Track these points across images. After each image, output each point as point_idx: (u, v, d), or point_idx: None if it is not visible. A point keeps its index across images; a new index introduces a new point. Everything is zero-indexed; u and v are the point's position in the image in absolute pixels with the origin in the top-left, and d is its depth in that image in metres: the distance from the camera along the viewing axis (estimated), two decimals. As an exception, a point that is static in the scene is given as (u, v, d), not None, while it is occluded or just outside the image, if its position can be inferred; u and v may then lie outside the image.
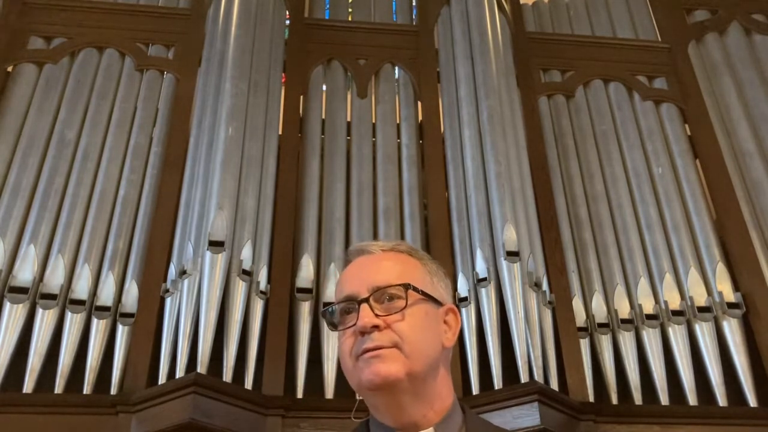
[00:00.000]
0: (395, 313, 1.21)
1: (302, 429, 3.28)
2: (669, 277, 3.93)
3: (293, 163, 4.14)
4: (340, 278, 1.33)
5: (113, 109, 4.23)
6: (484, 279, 3.59)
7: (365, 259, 1.31)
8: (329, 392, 3.43)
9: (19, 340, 3.35)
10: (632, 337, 3.74)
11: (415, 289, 1.24)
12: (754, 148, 4.40)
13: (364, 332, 1.20)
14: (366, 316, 1.20)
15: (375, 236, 3.95)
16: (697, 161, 4.51)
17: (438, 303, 1.29)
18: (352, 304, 1.24)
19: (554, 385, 3.43)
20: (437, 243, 3.88)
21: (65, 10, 4.55)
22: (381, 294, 1.23)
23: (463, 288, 3.63)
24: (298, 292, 3.65)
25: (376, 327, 1.19)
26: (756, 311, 3.80)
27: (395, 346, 1.19)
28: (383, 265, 1.28)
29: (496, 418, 3.09)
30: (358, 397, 1.30)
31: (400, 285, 1.23)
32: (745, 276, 3.94)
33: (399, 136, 4.41)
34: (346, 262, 1.36)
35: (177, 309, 3.38)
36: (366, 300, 1.22)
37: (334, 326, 1.29)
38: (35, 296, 3.45)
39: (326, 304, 1.33)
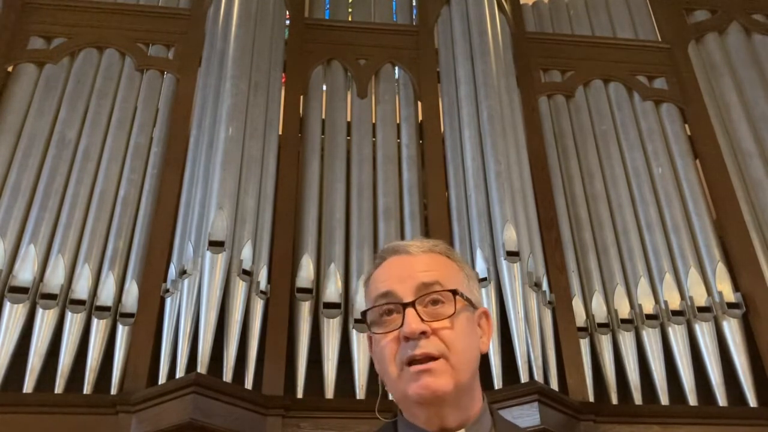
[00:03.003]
0: (443, 319, 1.17)
1: (302, 429, 3.28)
2: (669, 277, 3.93)
3: (293, 163, 4.14)
4: (375, 277, 1.26)
5: (113, 109, 4.23)
6: (484, 279, 3.59)
7: (405, 259, 1.25)
8: (329, 392, 3.43)
9: (19, 340, 3.35)
10: (632, 337, 3.74)
11: (462, 295, 1.21)
12: (754, 148, 4.40)
13: (409, 338, 1.16)
14: (413, 321, 1.15)
15: (375, 236, 3.95)
16: (697, 161, 4.51)
17: (474, 307, 1.26)
18: (395, 306, 1.19)
19: (554, 385, 3.44)
20: (437, 243, 3.87)
21: (65, 10, 4.55)
22: (426, 297, 1.19)
23: (463, 288, 3.63)
24: (298, 292, 3.65)
25: (423, 333, 1.15)
26: (756, 311, 3.80)
27: (442, 355, 1.15)
28: (426, 266, 1.23)
29: (496, 418, 3.09)
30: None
31: (448, 291, 1.20)
32: (745, 276, 3.94)
33: (399, 136, 4.41)
34: (380, 259, 1.29)
35: (177, 309, 3.38)
36: (412, 304, 1.17)
37: (368, 327, 1.24)
38: (35, 296, 3.45)
39: (363, 313, 1.25)
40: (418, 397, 1.14)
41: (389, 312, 1.20)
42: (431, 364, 1.14)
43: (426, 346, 1.15)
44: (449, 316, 1.18)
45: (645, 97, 4.75)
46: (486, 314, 1.29)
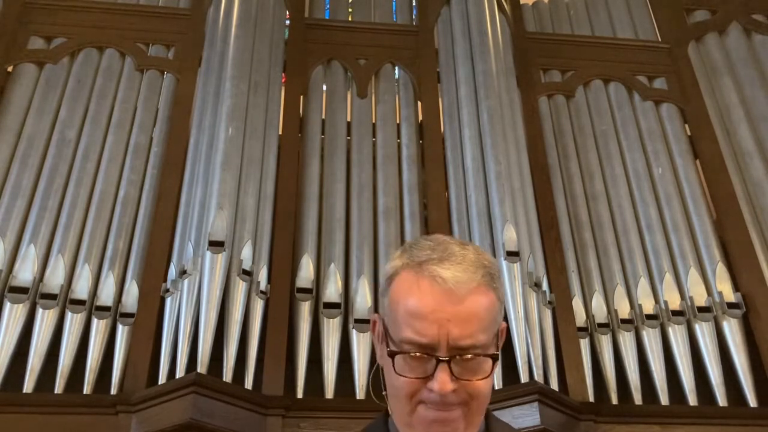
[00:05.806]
0: (476, 380, 1.11)
1: (302, 429, 3.28)
2: (669, 277, 3.93)
3: (293, 163, 4.14)
4: (410, 304, 1.11)
5: (113, 109, 4.23)
6: (484, 279, 3.58)
7: (445, 297, 1.10)
8: (329, 392, 3.43)
9: (19, 340, 3.35)
10: (632, 337, 3.74)
11: (498, 358, 1.13)
12: (754, 148, 4.40)
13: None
14: (446, 381, 1.08)
15: (375, 236, 3.94)
16: (697, 161, 4.51)
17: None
18: (428, 356, 1.10)
19: (554, 385, 3.44)
20: (437, 243, 3.86)
21: (65, 10, 4.55)
22: (463, 353, 1.10)
23: (463, 288, 3.62)
24: (298, 292, 3.65)
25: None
26: (756, 311, 3.80)
27: (464, 404, 1.11)
28: (468, 314, 1.10)
29: (496, 418, 3.09)
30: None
31: (488, 356, 1.12)
32: (745, 276, 3.94)
33: (399, 136, 4.41)
34: (416, 266, 1.14)
35: (177, 309, 3.38)
36: (447, 361, 1.09)
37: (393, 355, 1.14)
38: (35, 296, 3.45)
39: (392, 346, 1.15)
40: None
41: (418, 354, 1.11)
42: (450, 414, 1.11)
43: (451, 402, 1.10)
44: (483, 378, 1.12)
45: (645, 97, 4.75)
46: (503, 331, 1.22)
